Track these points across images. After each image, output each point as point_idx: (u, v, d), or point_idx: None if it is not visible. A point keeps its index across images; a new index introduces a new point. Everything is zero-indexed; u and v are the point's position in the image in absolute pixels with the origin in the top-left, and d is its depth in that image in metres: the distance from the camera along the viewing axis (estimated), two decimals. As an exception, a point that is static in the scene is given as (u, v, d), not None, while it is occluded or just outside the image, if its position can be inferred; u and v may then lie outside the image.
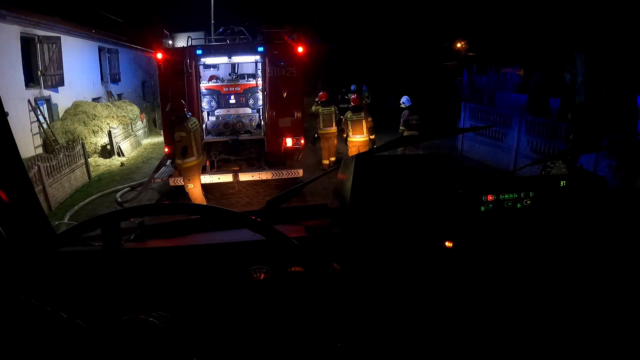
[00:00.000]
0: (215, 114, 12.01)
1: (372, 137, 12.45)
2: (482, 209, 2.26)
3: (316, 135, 13.87)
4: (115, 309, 1.28)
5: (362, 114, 12.42)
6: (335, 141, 13.92)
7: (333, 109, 13.85)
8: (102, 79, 23.18)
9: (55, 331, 1.20)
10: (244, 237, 1.84)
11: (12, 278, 1.40)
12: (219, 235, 2.00)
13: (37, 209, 1.72)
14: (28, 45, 16.20)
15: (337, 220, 2.06)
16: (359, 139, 12.28)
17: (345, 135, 12.64)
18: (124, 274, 1.70)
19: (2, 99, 1.49)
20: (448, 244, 2.12)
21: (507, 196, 2.29)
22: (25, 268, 1.48)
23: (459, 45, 34.16)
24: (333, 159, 13.86)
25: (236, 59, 11.61)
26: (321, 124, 13.62)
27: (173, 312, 1.31)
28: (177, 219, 2.20)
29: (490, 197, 2.26)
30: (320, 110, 13.74)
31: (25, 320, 1.21)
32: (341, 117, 13.26)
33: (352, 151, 12.01)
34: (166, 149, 10.89)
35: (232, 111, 12.06)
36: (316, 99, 14.85)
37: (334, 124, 13.61)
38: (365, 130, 12.28)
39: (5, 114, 1.55)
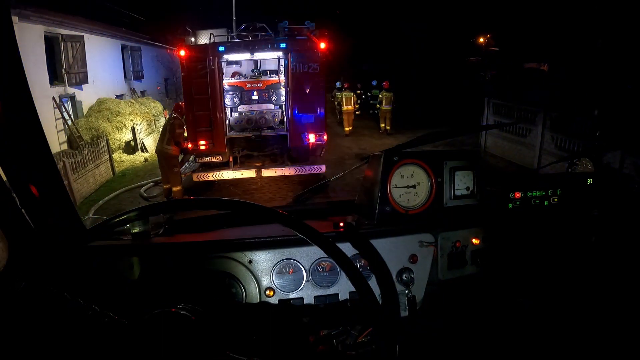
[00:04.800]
0: (238, 110, 11.99)
1: (394, 105, 19.61)
2: (510, 206, 2.23)
3: (338, 115, 21.14)
4: (147, 302, 1.29)
5: (391, 93, 19.38)
6: (353, 116, 20.11)
7: (352, 94, 19.98)
8: (125, 76, 23.54)
9: (88, 324, 1.21)
10: (274, 233, 1.84)
11: (44, 271, 1.42)
12: (248, 231, 2.00)
13: (67, 204, 1.74)
14: (52, 44, 16.51)
15: (365, 216, 2.05)
16: (387, 108, 19.57)
17: (377, 106, 20.08)
18: (155, 267, 1.71)
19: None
20: (475, 241, 2.09)
21: (534, 194, 2.26)
22: (57, 262, 1.50)
23: (481, 40, 33.78)
24: (350, 127, 20.00)
25: (258, 55, 11.60)
26: (343, 104, 19.82)
27: (204, 305, 1.31)
28: (206, 214, 2.21)
29: (517, 195, 2.24)
30: (343, 94, 19.90)
31: (57, 313, 1.23)
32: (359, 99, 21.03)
33: (382, 117, 20.00)
34: (189, 145, 10.96)
35: (255, 107, 12.03)
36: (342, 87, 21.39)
37: (352, 104, 19.70)
38: (390, 103, 19.41)
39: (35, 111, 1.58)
